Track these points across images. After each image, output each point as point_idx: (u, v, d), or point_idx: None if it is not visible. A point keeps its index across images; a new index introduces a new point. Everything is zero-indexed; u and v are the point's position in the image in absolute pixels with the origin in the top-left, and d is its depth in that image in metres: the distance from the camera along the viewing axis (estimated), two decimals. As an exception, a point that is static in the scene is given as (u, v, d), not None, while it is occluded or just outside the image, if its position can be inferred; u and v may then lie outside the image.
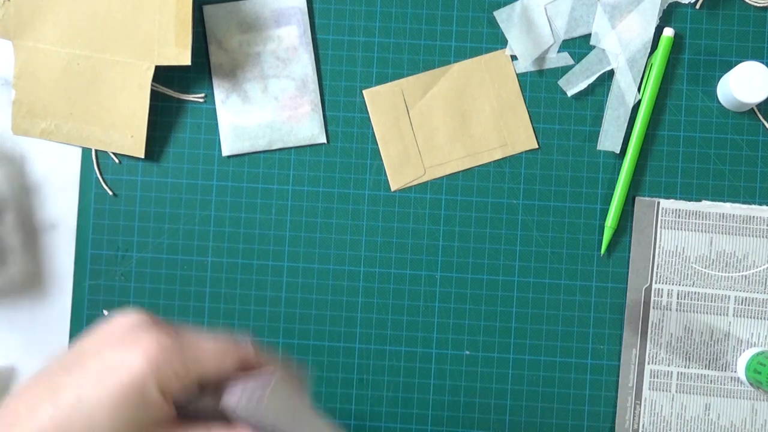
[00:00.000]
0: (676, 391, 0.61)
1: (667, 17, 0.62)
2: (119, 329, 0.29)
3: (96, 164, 0.63)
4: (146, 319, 0.30)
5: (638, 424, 0.61)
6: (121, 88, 0.61)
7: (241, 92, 0.62)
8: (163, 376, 0.28)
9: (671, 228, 0.61)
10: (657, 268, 0.61)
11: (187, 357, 0.29)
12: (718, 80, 0.62)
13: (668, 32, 0.61)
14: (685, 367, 0.61)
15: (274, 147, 0.62)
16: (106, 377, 0.27)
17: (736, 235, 0.61)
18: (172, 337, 0.29)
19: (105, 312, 0.62)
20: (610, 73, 0.62)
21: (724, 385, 0.61)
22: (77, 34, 0.60)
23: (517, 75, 0.62)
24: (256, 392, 0.30)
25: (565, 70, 0.62)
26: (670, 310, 0.61)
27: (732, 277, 0.61)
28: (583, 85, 0.62)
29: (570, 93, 0.62)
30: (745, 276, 0.61)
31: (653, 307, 0.61)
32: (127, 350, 0.28)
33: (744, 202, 0.61)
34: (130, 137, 0.61)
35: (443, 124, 0.62)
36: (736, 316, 0.61)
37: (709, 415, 0.61)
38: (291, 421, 0.34)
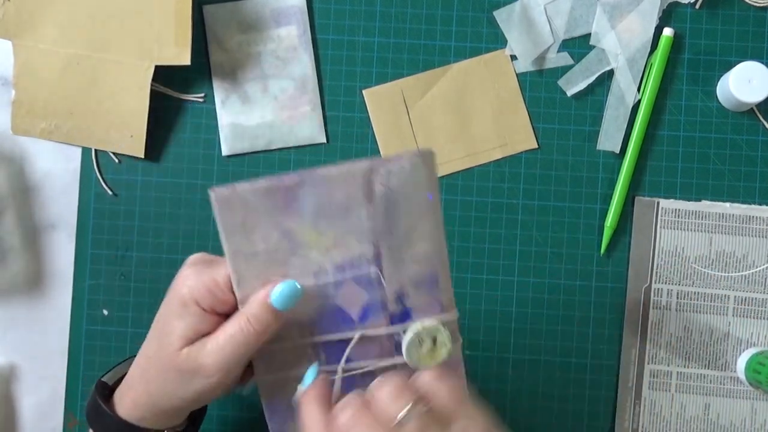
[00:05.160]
0: (676, 391, 0.61)
1: (666, 17, 0.62)
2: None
3: (96, 164, 0.63)
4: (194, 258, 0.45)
5: (638, 423, 0.61)
6: (121, 88, 0.61)
7: (240, 92, 0.62)
8: (195, 292, 0.41)
9: (671, 228, 0.61)
10: (657, 268, 0.61)
11: (212, 278, 0.42)
12: (718, 80, 0.62)
13: (668, 32, 0.61)
14: (684, 367, 0.61)
15: (274, 147, 0.62)
16: (170, 298, 0.43)
17: (735, 234, 0.61)
18: (199, 265, 0.43)
19: (105, 312, 0.63)
20: (610, 73, 0.62)
21: (724, 384, 0.61)
22: (77, 34, 0.60)
23: (517, 75, 0.62)
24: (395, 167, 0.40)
25: (565, 69, 0.62)
26: (670, 310, 0.61)
27: (731, 276, 0.61)
28: (582, 85, 0.62)
29: (570, 93, 0.62)
30: (745, 276, 0.61)
31: (653, 307, 0.61)
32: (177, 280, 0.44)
33: (743, 202, 0.61)
34: (129, 137, 0.61)
35: (443, 124, 0.62)
36: (736, 315, 0.61)
37: (708, 414, 0.61)
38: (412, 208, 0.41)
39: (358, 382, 0.42)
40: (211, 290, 0.41)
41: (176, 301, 0.42)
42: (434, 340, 0.42)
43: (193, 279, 0.42)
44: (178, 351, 0.42)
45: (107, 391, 0.47)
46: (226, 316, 0.42)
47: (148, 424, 0.45)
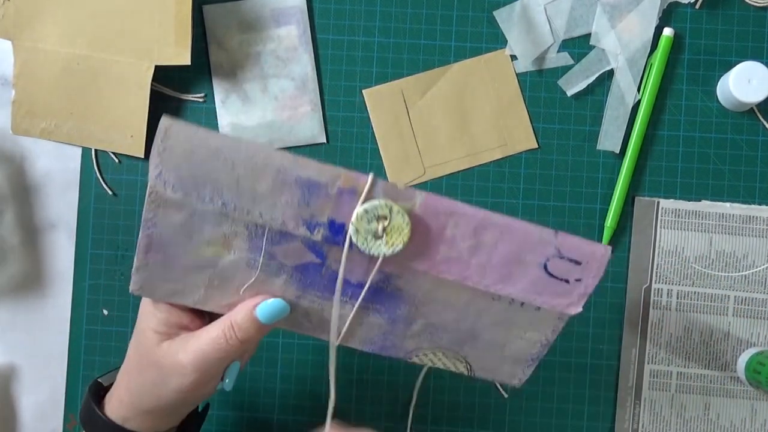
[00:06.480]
0: (676, 391, 0.61)
1: (666, 17, 0.62)
2: None
3: (96, 164, 0.63)
4: None
5: (638, 423, 0.61)
6: (121, 88, 0.61)
7: (240, 92, 0.62)
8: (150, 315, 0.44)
9: (671, 228, 0.61)
10: (657, 268, 0.61)
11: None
12: (718, 80, 0.62)
13: (668, 32, 0.61)
14: (684, 367, 0.61)
15: (274, 147, 0.62)
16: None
17: (735, 234, 0.61)
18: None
19: (105, 312, 0.63)
20: (610, 73, 0.62)
21: (724, 384, 0.61)
22: (77, 34, 0.60)
23: (517, 75, 0.62)
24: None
25: (565, 69, 0.62)
26: (670, 309, 0.61)
27: (731, 276, 0.61)
28: (582, 85, 0.62)
29: (570, 93, 0.62)
30: (745, 276, 0.61)
31: (653, 307, 0.61)
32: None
33: (743, 202, 0.61)
34: (129, 137, 0.61)
35: (443, 124, 0.62)
36: (736, 315, 0.61)
37: (708, 414, 0.61)
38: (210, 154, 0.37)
39: (373, 296, 0.42)
40: None
41: (146, 300, 0.44)
42: (384, 217, 0.38)
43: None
44: (158, 345, 0.42)
45: (101, 392, 0.47)
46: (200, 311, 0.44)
47: (133, 426, 0.45)
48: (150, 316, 0.43)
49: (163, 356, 0.42)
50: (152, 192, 0.38)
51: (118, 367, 0.50)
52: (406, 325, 0.43)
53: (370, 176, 0.38)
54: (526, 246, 0.40)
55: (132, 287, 0.42)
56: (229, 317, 0.41)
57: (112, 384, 0.48)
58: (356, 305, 0.42)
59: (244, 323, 0.41)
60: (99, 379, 0.49)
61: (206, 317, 0.44)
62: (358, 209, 0.38)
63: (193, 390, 0.43)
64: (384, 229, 0.38)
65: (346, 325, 0.43)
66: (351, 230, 0.38)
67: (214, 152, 0.37)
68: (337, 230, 0.39)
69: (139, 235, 0.40)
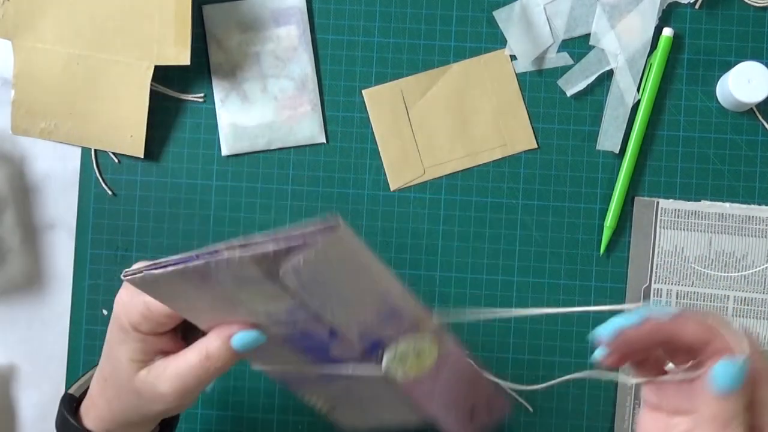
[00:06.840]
0: (676, 391, 0.61)
1: (666, 17, 0.62)
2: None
3: (95, 164, 0.63)
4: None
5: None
6: (121, 88, 0.61)
7: (240, 92, 0.62)
8: (131, 318, 0.41)
9: (670, 228, 0.61)
10: (656, 268, 0.61)
11: (144, 303, 0.40)
12: (718, 80, 0.62)
13: (667, 32, 0.61)
14: (684, 367, 0.61)
15: (274, 147, 0.62)
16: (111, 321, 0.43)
17: (735, 234, 0.61)
18: (131, 293, 0.41)
19: (104, 312, 0.63)
20: (610, 73, 0.62)
21: (724, 384, 0.61)
22: (77, 34, 0.60)
23: (517, 75, 0.62)
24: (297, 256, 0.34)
25: (565, 69, 0.62)
26: (670, 309, 0.61)
27: (731, 276, 0.61)
28: (582, 85, 0.62)
29: (569, 93, 0.62)
30: (745, 276, 0.61)
31: (652, 307, 0.61)
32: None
33: (743, 202, 0.61)
34: (129, 137, 0.61)
35: (443, 124, 0.62)
36: (736, 315, 0.61)
37: (708, 414, 0.61)
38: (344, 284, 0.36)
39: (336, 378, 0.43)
40: (146, 316, 0.41)
41: (116, 326, 0.42)
42: (420, 353, 0.40)
43: (127, 304, 0.41)
44: (135, 374, 0.42)
45: (74, 404, 0.47)
46: (173, 330, 0.43)
47: None
48: (123, 344, 0.42)
49: (141, 386, 0.42)
50: (273, 263, 0.33)
51: (84, 374, 0.50)
52: (326, 384, 0.44)
53: (437, 319, 0.40)
54: (478, 393, 0.45)
55: (135, 278, 0.37)
56: (205, 346, 0.41)
57: (84, 393, 0.48)
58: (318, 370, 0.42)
59: (221, 352, 0.40)
60: (70, 391, 0.48)
61: (181, 336, 0.44)
62: (410, 342, 0.39)
63: (176, 410, 0.44)
64: (414, 359, 0.40)
65: (284, 366, 0.43)
66: (389, 354, 0.39)
67: (356, 269, 0.36)
68: (375, 346, 0.39)
69: (197, 258, 0.36)
